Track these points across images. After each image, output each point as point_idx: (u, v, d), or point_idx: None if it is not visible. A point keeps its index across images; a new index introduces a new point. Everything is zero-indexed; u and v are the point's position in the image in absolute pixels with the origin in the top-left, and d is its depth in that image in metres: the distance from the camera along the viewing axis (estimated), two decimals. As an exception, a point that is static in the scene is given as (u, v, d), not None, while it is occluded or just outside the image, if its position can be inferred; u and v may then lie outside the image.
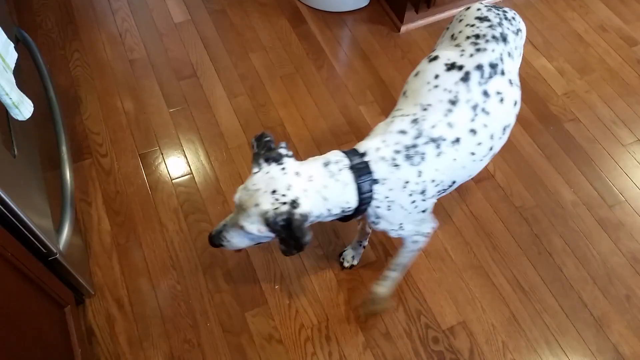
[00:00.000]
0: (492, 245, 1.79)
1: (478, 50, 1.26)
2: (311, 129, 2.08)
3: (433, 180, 1.18)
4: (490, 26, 1.30)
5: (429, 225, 1.35)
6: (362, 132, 2.07)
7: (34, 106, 1.42)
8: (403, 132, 1.16)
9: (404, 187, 1.16)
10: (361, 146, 1.18)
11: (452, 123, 1.17)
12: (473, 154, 1.21)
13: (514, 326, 1.66)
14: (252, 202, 1.11)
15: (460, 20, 1.38)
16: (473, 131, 1.19)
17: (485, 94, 1.21)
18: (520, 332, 1.65)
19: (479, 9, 1.37)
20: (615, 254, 1.79)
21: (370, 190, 1.14)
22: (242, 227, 1.14)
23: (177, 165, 1.96)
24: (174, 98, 2.14)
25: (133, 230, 1.80)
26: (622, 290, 1.72)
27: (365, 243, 1.74)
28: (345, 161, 1.14)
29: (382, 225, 1.25)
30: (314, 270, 1.74)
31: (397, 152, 1.14)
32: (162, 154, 1.98)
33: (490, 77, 1.22)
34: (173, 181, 1.92)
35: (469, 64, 1.23)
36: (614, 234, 1.84)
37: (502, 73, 1.24)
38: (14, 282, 1.24)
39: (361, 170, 1.13)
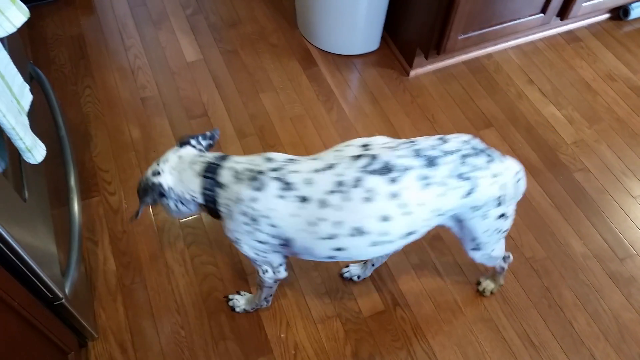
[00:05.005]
0: (502, 298, 1.77)
1: (392, 147, 1.19)
2: (320, 172, 2.07)
3: (266, 217, 1.20)
4: (433, 146, 1.18)
5: (265, 267, 1.40)
6: (371, 176, 2.06)
7: (45, 141, 1.41)
8: (270, 160, 1.25)
9: (237, 203, 1.22)
10: (236, 156, 1.30)
11: (311, 180, 1.17)
12: (311, 224, 1.17)
13: (524, 382, 1.63)
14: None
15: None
16: (323, 202, 1.15)
17: (357, 181, 1.14)
18: (530, 388, 1.62)
19: (466, 139, 1.22)
20: (627, 309, 1.77)
21: (212, 190, 1.26)
22: None
23: (185, 205, 1.95)
24: (183, 137, 2.14)
25: (139, 271, 1.78)
26: (635, 349, 1.69)
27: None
28: (209, 158, 1.29)
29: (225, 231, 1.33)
30: (321, 319, 1.71)
31: (249, 170, 1.23)
32: (170, 193, 1.97)
33: (373, 172, 1.14)
34: (181, 221, 1.90)
35: (373, 150, 1.18)
36: (625, 289, 1.81)
37: (392, 181, 1.13)
38: (18, 330, 1.22)
39: (210, 169, 1.26)
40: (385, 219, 1.15)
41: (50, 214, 1.52)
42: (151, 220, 1.90)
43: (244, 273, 1.79)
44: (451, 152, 1.18)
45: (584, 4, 2.37)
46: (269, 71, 2.41)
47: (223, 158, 1.30)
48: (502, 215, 1.29)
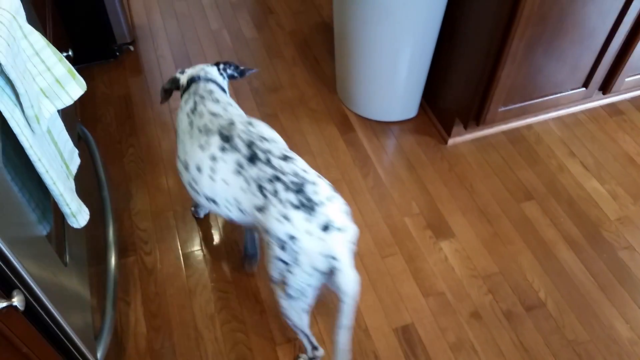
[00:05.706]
0: (544, 385, 1.68)
1: (249, 131, 1.40)
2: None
3: (178, 125, 1.56)
4: (268, 150, 1.35)
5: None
6: (406, 245, 2.03)
7: (86, 200, 1.45)
8: (211, 92, 1.56)
9: (181, 108, 1.60)
10: (214, 85, 1.60)
11: (202, 115, 1.48)
12: (180, 142, 1.52)
13: None
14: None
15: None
16: (191, 133, 1.47)
17: (209, 132, 1.42)
18: None
19: (311, 179, 1.32)
20: (680, 405, 1.65)
21: (185, 88, 1.63)
22: None
23: (219, 270, 1.95)
24: (221, 198, 2.16)
25: (169, 335, 1.77)
26: None
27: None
28: (202, 73, 1.62)
29: None
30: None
31: (196, 92, 1.56)
32: (204, 256, 1.98)
33: (219, 134, 1.39)
34: (213, 286, 1.90)
35: (245, 125, 1.43)
36: (677, 382, 1.70)
37: (222, 149, 1.37)
38: (49, 398, 1.21)
39: (192, 79, 1.61)
40: (198, 169, 1.41)
41: (87, 271, 1.54)
42: (184, 282, 1.90)
43: (273, 343, 1.76)
44: (273, 167, 1.29)
45: (626, 79, 2.35)
46: (307, 135, 2.44)
47: (206, 80, 1.61)
48: (283, 262, 1.26)
